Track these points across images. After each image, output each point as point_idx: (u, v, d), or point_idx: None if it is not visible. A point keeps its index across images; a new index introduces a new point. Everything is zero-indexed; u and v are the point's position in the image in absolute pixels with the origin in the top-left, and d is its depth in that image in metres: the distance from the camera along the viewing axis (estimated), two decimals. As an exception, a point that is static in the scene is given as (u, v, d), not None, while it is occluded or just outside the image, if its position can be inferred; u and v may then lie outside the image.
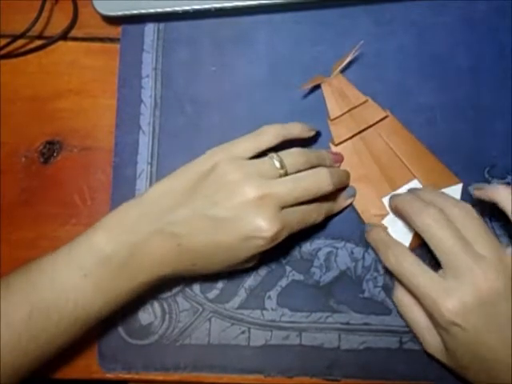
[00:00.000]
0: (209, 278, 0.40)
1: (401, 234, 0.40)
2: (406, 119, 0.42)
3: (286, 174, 0.36)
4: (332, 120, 0.42)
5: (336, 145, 0.42)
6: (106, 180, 0.42)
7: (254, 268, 0.40)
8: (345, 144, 0.42)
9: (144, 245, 0.35)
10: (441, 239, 0.34)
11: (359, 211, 0.41)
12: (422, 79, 0.43)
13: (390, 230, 0.40)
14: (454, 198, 0.37)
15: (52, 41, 0.45)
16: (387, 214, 0.40)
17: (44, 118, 0.44)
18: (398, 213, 0.38)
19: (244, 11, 0.44)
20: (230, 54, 0.44)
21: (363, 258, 0.40)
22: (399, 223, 0.40)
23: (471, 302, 0.33)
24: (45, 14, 0.44)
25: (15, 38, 0.43)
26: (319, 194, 0.37)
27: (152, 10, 0.43)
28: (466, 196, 0.40)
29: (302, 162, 0.37)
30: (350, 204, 0.41)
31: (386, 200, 0.41)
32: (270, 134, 0.37)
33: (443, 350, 0.35)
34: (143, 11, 0.43)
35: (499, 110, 0.42)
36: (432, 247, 0.35)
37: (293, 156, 0.37)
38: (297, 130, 0.39)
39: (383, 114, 0.42)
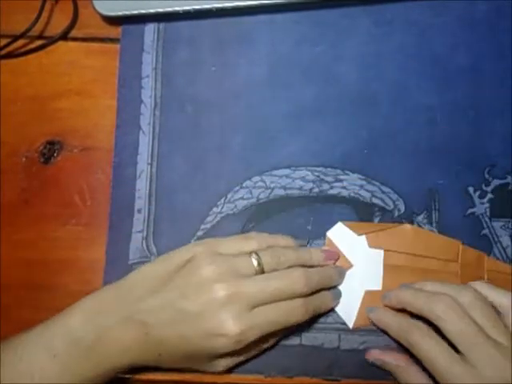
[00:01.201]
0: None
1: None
2: (406, 119, 0.42)
3: (263, 272, 0.36)
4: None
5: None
6: (105, 180, 0.42)
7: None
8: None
9: (112, 330, 0.35)
10: (461, 330, 0.34)
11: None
12: (422, 79, 0.43)
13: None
14: (457, 285, 0.36)
15: (52, 41, 0.45)
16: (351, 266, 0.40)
17: (44, 117, 0.44)
18: (402, 306, 0.37)
19: (244, 11, 0.44)
20: (231, 53, 0.44)
21: (363, 258, 0.40)
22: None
23: None
24: (45, 14, 0.44)
25: (15, 38, 0.43)
26: (295, 295, 0.36)
27: (152, 10, 0.43)
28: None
29: (280, 262, 0.36)
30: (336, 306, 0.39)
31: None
32: (255, 241, 0.38)
33: None
34: (143, 11, 0.43)
35: (499, 110, 0.42)
36: (449, 336, 0.34)
37: (273, 255, 0.36)
38: (283, 242, 0.38)
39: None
